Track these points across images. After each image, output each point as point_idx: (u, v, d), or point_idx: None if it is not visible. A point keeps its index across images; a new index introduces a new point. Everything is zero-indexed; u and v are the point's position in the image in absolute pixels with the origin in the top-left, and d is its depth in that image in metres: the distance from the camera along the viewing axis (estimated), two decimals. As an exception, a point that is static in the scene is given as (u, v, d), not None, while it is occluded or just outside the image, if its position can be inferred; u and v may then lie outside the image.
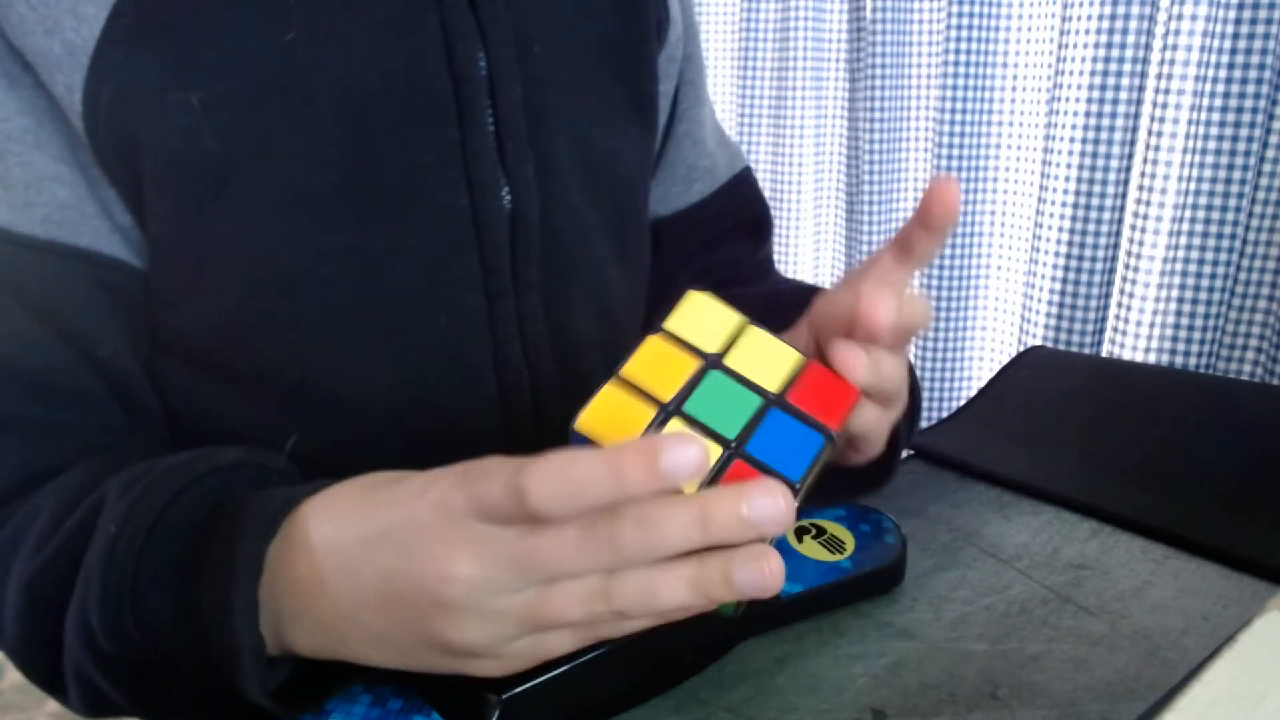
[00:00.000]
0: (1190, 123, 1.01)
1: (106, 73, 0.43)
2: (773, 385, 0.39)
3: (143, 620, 0.37)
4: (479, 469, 0.32)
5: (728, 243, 0.67)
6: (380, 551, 0.33)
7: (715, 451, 0.36)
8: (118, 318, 0.47)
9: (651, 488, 0.29)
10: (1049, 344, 1.17)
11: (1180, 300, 1.06)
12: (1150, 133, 1.04)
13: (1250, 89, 0.99)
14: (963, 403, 0.72)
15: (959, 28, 1.21)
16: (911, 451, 0.64)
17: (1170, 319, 1.07)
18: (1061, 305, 1.15)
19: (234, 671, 0.36)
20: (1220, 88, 1.00)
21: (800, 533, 0.50)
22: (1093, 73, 1.07)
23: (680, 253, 0.66)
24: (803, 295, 0.52)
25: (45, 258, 0.45)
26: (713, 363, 0.39)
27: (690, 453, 0.28)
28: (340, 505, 0.35)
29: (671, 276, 0.66)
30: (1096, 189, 1.10)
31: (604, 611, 0.32)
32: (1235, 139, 1.00)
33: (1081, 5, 1.06)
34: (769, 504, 0.30)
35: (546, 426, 0.53)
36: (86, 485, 0.41)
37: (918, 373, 1.02)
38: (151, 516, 0.37)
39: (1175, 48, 1.00)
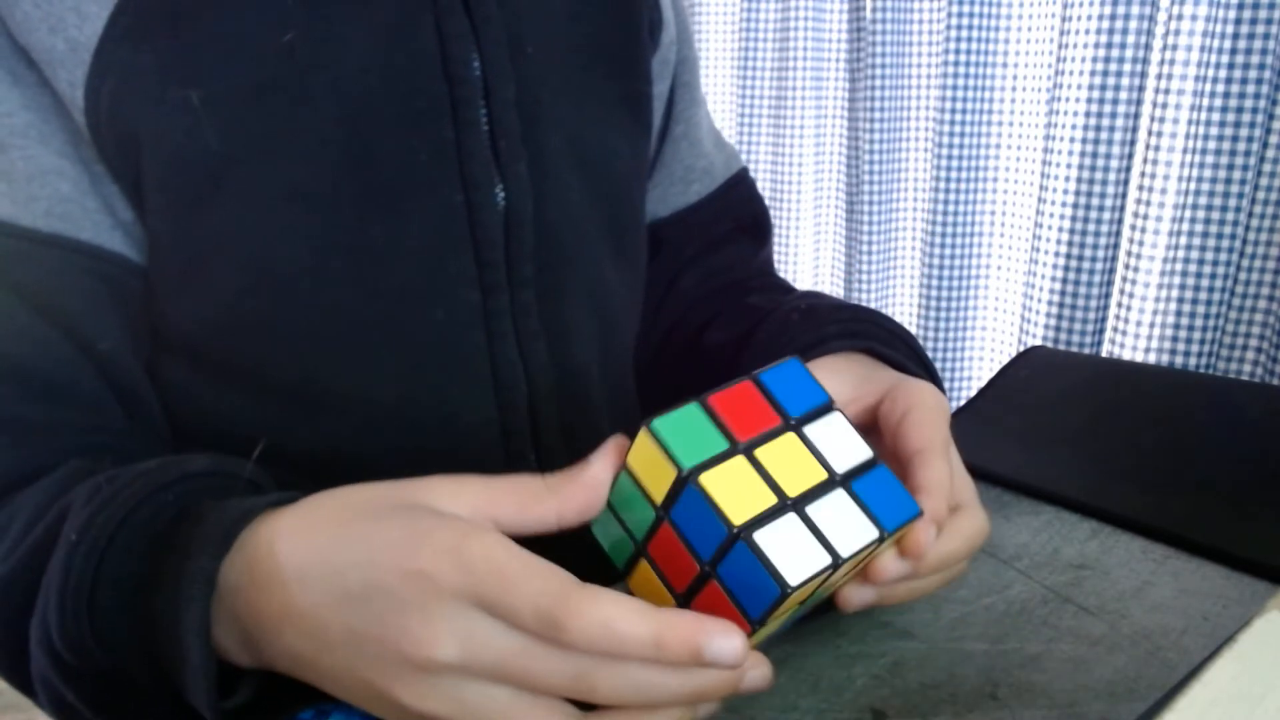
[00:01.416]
0: (1190, 123, 1.02)
1: (108, 70, 0.44)
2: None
3: (99, 632, 0.37)
4: (484, 561, 0.31)
5: (728, 245, 0.67)
6: (354, 610, 0.32)
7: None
8: (118, 313, 0.47)
9: (688, 667, 0.30)
10: (1049, 344, 1.17)
11: (1180, 300, 1.06)
12: (1150, 133, 1.04)
13: (1250, 89, 0.99)
14: (963, 403, 0.72)
15: (959, 28, 1.21)
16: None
17: (1170, 319, 1.07)
18: (1061, 305, 1.15)
19: (185, 688, 0.35)
20: (1220, 88, 1.00)
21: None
22: (1093, 73, 1.07)
23: (681, 255, 0.66)
24: (815, 316, 0.53)
25: (47, 251, 0.45)
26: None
27: (734, 643, 0.30)
28: (315, 536, 0.34)
29: (673, 279, 0.66)
30: (1096, 189, 1.10)
31: (587, 693, 0.31)
32: (1235, 139, 1.00)
33: (1081, 5, 1.06)
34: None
35: (541, 421, 0.53)
36: (63, 487, 0.41)
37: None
38: (110, 528, 0.37)
39: (1175, 48, 1.00)
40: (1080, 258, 1.13)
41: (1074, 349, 1.15)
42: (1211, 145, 1.01)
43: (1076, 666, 0.44)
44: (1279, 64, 0.98)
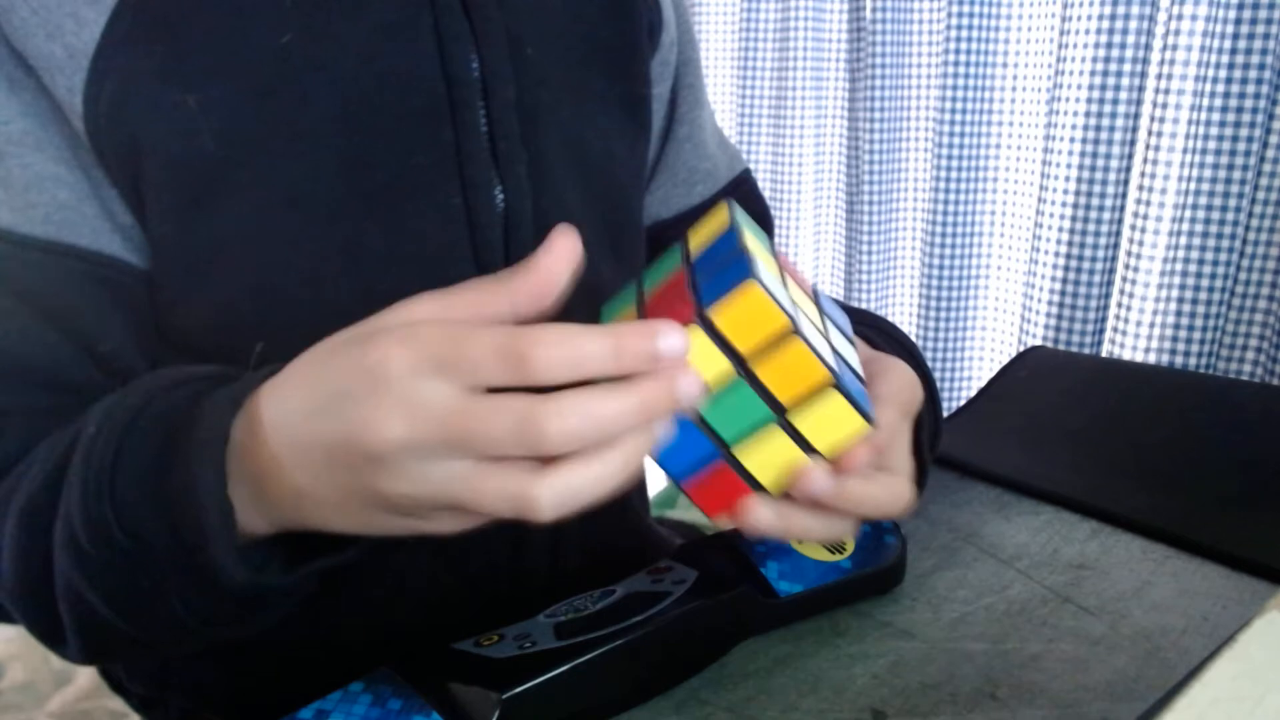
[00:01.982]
0: (1190, 123, 1.01)
1: (106, 75, 0.44)
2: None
3: (121, 509, 0.37)
4: (434, 330, 0.32)
5: None
6: (321, 421, 0.34)
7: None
8: (120, 315, 0.48)
9: (646, 367, 0.32)
10: (1049, 344, 1.17)
11: (1180, 300, 1.06)
12: (1150, 133, 1.04)
13: (1250, 89, 0.99)
14: (963, 403, 0.72)
15: (959, 28, 1.21)
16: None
17: (1170, 319, 1.07)
18: (1061, 305, 1.15)
19: (208, 560, 0.36)
20: (1220, 88, 1.00)
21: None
22: (1093, 73, 1.07)
23: None
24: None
25: (46, 257, 0.45)
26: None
27: (680, 337, 0.32)
28: (290, 382, 0.36)
29: None
30: (1096, 189, 1.10)
31: (535, 439, 0.31)
32: (1235, 139, 1.00)
33: (1081, 5, 1.06)
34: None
35: None
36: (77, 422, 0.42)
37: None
38: (128, 415, 0.38)
39: (1175, 48, 1.00)
40: (1080, 258, 1.13)
41: (1074, 349, 1.15)
42: (1211, 145, 1.01)
43: (1076, 666, 0.44)
44: (1279, 64, 0.98)
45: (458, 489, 0.33)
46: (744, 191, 0.69)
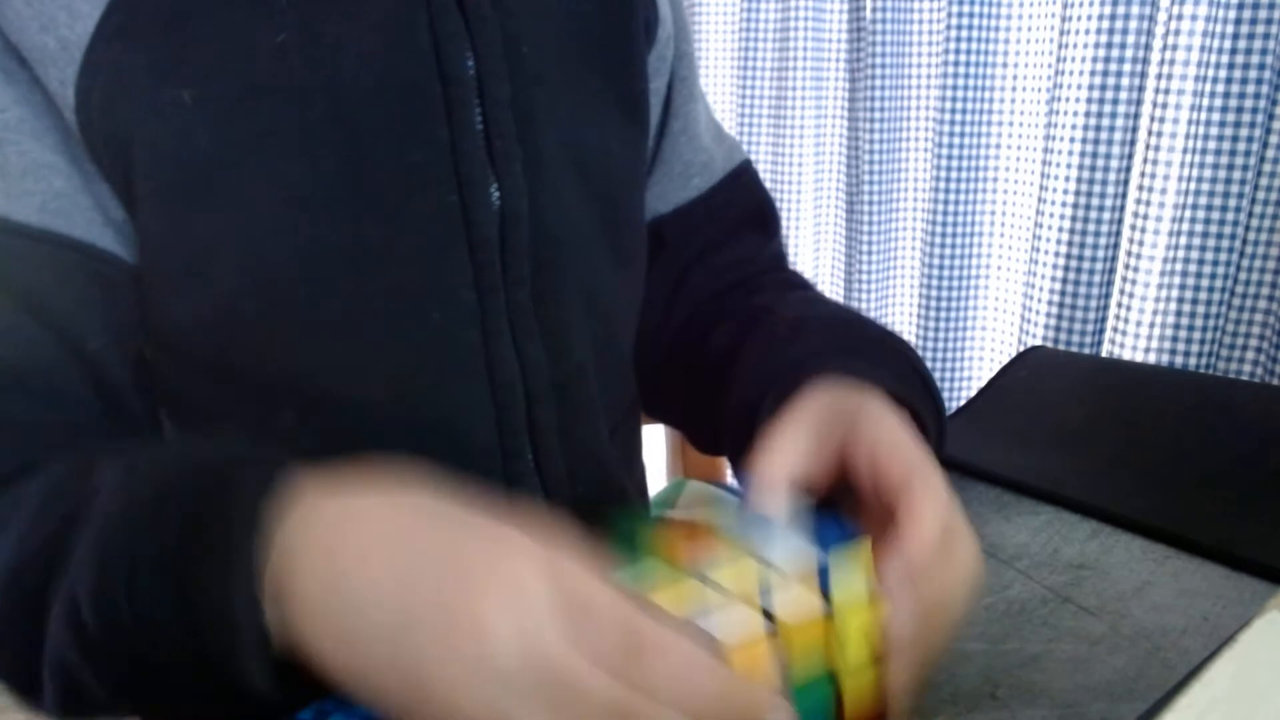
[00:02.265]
0: (1190, 123, 1.01)
1: (99, 69, 0.43)
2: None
3: (136, 600, 0.36)
4: (576, 574, 0.31)
5: (734, 240, 0.67)
6: (412, 589, 0.31)
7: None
8: (108, 313, 0.47)
9: None
10: (1049, 344, 1.17)
11: (1180, 300, 1.06)
12: (1150, 133, 1.04)
13: (1250, 89, 0.99)
14: (963, 403, 0.72)
15: (959, 28, 1.21)
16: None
17: (1170, 319, 1.07)
18: (1061, 305, 1.15)
19: (226, 658, 0.34)
20: (1220, 88, 1.00)
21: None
22: (1093, 73, 1.07)
23: (685, 252, 0.66)
24: (832, 325, 0.53)
25: (39, 246, 0.45)
26: None
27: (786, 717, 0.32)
28: (373, 518, 0.34)
29: (680, 277, 0.65)
30: (1096, 189, 1.10)
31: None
32: (1235, 139, 1.00)
33: (1081, 5, 1.06)
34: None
35: (539, 420, 0.53)
36: (79, 472, 0.40)
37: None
38: (151, 503, 0.37)
39: (1175, 48, 1.00)
40: (1080, 258, 1.13)
41: (1074, 349, 1.15)
42: (1211, 145, 1.01)
43: (1076, 666, 0.44)
44: (1279, 64, 0.98)
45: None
46: (744, 183, 0.68)
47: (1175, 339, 1.07)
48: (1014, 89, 1.23)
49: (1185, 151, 1.02)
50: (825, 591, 0.36)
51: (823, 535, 0.38)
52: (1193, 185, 1.03)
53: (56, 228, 0.45)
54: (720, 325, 0.61)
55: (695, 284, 0.65)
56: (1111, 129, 1.07)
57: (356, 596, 0.32)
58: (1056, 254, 1.14)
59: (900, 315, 1.43)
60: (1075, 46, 1.08)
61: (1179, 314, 1.07)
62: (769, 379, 0.50)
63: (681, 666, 0.30)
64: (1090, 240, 1.11)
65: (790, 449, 0.42)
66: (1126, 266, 1.09)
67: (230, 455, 0.38)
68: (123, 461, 0.39)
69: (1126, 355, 1.11)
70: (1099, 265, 1.12)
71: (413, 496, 0.35)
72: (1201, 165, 1.02)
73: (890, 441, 0.42)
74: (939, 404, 0.53)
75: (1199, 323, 1.06)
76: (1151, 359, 1.09)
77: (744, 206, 0.68)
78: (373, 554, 0.33)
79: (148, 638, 0.36)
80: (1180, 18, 0.99)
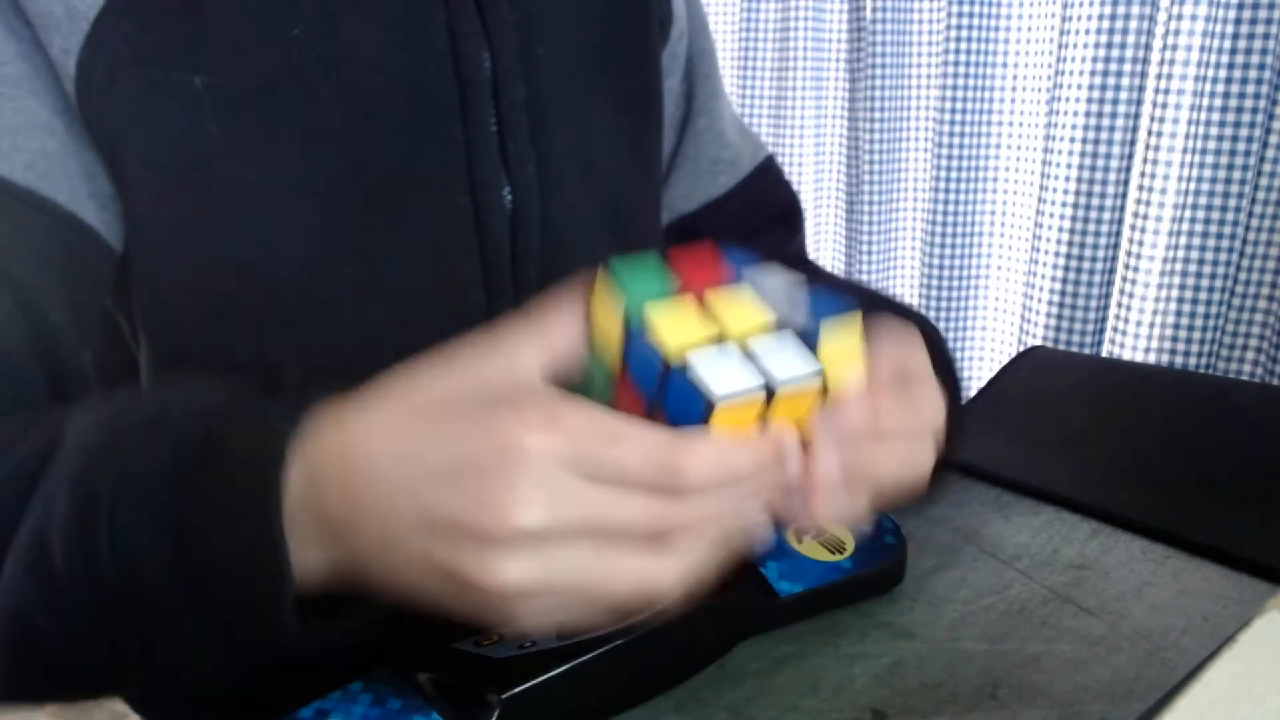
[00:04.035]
0: (1190, 123, 1.01)
1: (106, 42, 0.42)
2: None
3: (117, 538, 0.33)
4: (585, 423, 0.31)
5: (763, 236, 0.67)
6: (428, 490, 0.31)
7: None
8: (75, 287, 0.45)
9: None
10: (1049, 344, 1.17)
11: (1180, 300, 1.06)
12: (1150, 133, 1.04)
13: (1250, 89, 0.99)
14: (963, 403, 0.72)
15: (959, 28, 1.21)
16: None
17: (1170, 319, 1.07)
18: (1061, 305, 1.15)
19: (234, 596, 0.33)
20: (1220, 88, 1.00)
21: (800, 533, 0.50)
22: (1093, 73, 1.07)
23: None
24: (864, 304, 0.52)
25: (20, 206, 0.43)
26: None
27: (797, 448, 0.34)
28: (388, 433, 0.33)
29: None
30: (1096, 189, 1.10)
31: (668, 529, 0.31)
32: (1235, 139, 1.00)
33: (1081, 5, 1.06)
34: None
35: None
36: (34, 421, 0.37)
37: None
38: (142, 425, 0.34)
39: (1175, 48, 1.00)
40: (1080, 258, 1.13)
41: (1074, 349, 1.15)
42: (1211, 145, 1.01)
43: (1076, 666, 0.44)
44: (1279, 64, 0.98)
45: (589, 575, 0.31)
46: (769, 178, 0.68)
47: (1175, 339, 1.07)
48: (1014, 89, 1.23)
49: (1185, 151, 1.02)
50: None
51: (817, 306, 0.37)
52: (1193, 185, 1.03)
53: (40, 190, 0.43)
54: None
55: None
56: (1111, 129, 1.07)
57: (396, 473, 0.32)
58: (1056, 254, 1.14)
59: (900, 315, 1.43)
60: (1075, 46, 1.08)
61: (1179, 314, 1.07)
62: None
63: (713, 463, 0.31)
64: (1090, 240, 1.11)
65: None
66: (1126, 266, 1.09)
67: (221, 397, 0.36)
68: (88, 408, 0.36)
69: (1126, 355, 1.11)
70: (1099, 265, 1.12)
71: (403, 400, 0.34)
72: (1201, 165, 1.02)
73: (889, 332, 0.41)
74: (958, 392, 0.51)
75: (1199, 323, 1.06)
76: (1151, 359, 1.09)
77: (770, 202, 0.68)
78: (388, 475, 0.32)
79: (125, 573, 0.33)
80: (1180, 18, 0.99)
